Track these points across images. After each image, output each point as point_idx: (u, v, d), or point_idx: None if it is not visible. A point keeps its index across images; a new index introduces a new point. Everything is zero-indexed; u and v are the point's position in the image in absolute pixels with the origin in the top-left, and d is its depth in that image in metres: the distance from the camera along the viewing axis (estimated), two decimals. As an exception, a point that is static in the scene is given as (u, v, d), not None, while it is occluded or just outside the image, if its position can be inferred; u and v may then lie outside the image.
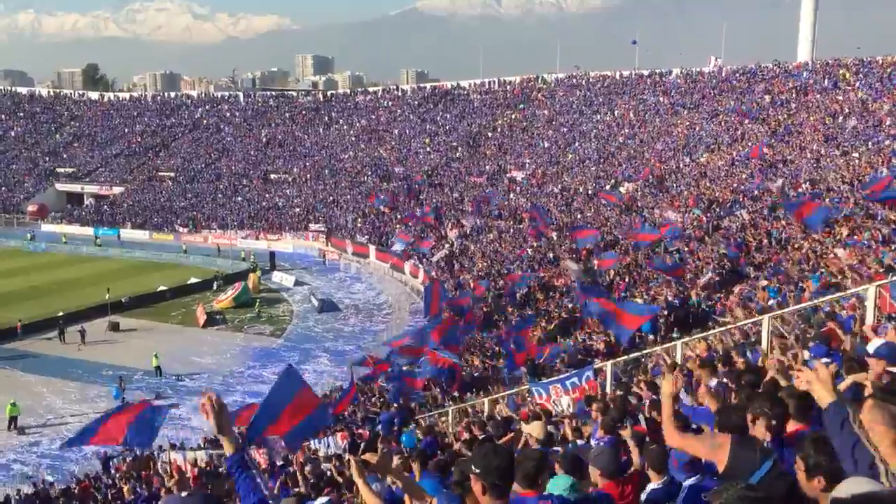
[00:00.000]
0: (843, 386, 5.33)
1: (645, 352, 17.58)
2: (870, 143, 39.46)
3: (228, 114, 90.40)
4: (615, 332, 20.88)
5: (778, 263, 24.50)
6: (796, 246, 25.65)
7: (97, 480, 22.43)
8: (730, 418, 4.82)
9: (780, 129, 49.51)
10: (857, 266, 18.95)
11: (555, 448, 8.09)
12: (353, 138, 79.16)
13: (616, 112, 67.11)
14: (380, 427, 18.17)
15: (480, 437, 10.85)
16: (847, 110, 47.67)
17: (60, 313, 41.70)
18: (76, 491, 21.54)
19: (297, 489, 11.41)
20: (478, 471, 3.66)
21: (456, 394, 22.83)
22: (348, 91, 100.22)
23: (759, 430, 4.32)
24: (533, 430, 9.51)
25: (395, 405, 21.98)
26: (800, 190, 33.71)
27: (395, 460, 8.95)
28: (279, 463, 16.71)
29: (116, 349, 37.98)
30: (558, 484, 4.58)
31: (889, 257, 18.75)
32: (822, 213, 24.94)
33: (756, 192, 36.29)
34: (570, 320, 28.51)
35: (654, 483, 5.48)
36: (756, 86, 60.49)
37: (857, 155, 37.77)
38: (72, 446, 21.38)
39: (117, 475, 21.89)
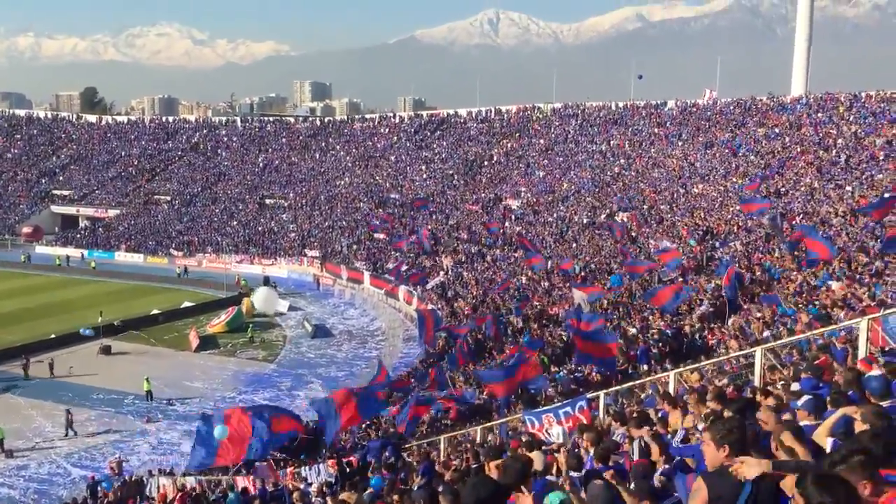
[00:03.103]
0: (831, 420, 5.33)
1: (637, 382, 17.56)
2: (863, 178, 39.68)
3: (226, 138, 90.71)
4: (598, 366, 21.19)
5: (770, 293, 24.53)
6: (790, 278, 25.70)
7: (84, 506, 22.18)
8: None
9: (774, 161, 49.79)
10: (849, 299, 19.00)
11: (549, 476, 8.04)
12: (350, 164, 79.46)
13: (612, 142, 67.51)
14: (369, 455, 18.03)
15: (473, 467, 10.78)
16: (840, 144, 48.00)
17: (51, 338, 41.48)
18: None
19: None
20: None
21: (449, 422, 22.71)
22: (345, 117, 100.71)
23: (711, 451, 4.34)
24: (535, 459, 9.43)
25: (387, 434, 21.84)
26: (794, 223, 33.84)
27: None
28: (269, 489, 16.57)
29: (107, 373, 37.71)
30: (550, 500, 4.64)
31: (882, 291, 18.82)
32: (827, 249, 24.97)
33: (750, 224, 36.43)
34: (564, 349, 28.44)
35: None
36: (750, 118, 60.96)
37: (850, 188, 37.97)
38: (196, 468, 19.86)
39: (104, 501, 21.64)
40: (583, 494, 5.40)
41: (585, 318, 25.78)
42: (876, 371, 7.39)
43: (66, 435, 29.97)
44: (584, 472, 7.23)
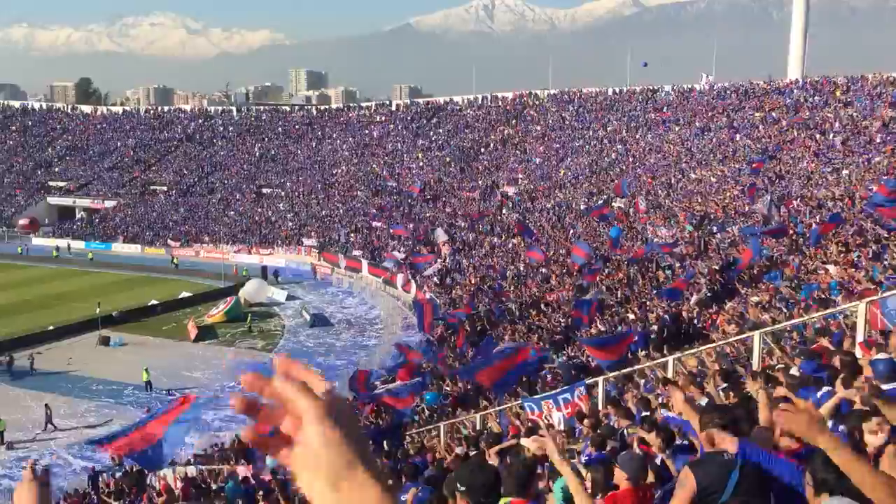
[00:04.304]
0: (832, 402, 5.34)
1: (636, 367, 17.58)
2: (860, 160, 39.71)
3: (221, 128, 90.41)
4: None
5: (770, 277, 24.57)
6: (787, 263, 25.73)
7: (85, 497, 22.21)
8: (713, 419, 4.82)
9: (771, 146, 49.78)
10: (846, 282, 19.03)
11: (548, 463, 8.07)
12: (346, 153, 79.27)
13: (608, 128, 67.40)
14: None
15: (472, 454, 10.80)
16: (837, 127, 47.98)
17: (49, 329, 41.41)
18: (64, 507, 21.33)
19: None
20: (463, 488, 3.66)
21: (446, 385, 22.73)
22: (341, 106, 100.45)
23: (705, 444, 4.34)
24: (531, 445, 9.45)
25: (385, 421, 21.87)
26: (791, 206, 33.87)
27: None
28: (266, 477, 16.58)
29: (106, 364, 37.72)
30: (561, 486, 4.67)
31: (880, 273, 18.84)
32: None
33: (747, 209, 36.44)
34: (562, 336, 28.50)
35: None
36: (747, 103, 60.86)
37: (847, 172, 38.01)
38: (96, 444, 20.90)
39: (106, 491, 21.67)
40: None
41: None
42: (882, 354, 7.39)
43: (46, 429, 29.77)
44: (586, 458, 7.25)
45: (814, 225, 26.68)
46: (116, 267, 61.61)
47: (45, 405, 30.55)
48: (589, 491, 5.57)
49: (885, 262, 20.40)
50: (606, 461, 6.31)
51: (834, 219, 26.38)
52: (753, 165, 43.38)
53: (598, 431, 8.38)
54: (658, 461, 6.33)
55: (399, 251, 52.97)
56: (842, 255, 23.15)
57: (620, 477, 5.46)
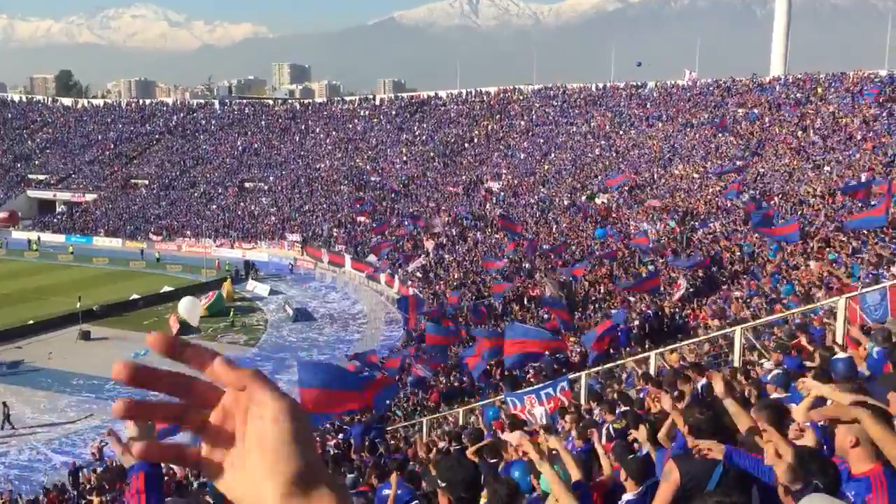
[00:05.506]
0: (809, 399, 5.37)
1: (619, 362, 17.67)
2: (840, 157, 40.01)
3: (204, 121, 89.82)
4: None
5: (750, 272, 24.74)
6: (768, 258, 25.90)
7: (64, 492, 22.04)
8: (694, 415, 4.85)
9: (753, 142, 50.04)
10: (827, 279, 19.18)
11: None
12: (330, 147, 78.98)
13: (592, 123, 67.53)
14: (352, 438, 18.03)
15: (455, 448, 10.80)
16: (819, 124, 48.30)
17: (30, 323, 41.03)
18: (44, 503, 21.16)
19: None
20: (443, 484, 3.66)
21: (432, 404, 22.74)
22: (325, 100, 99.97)
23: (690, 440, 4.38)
24: (513, 440, 9.49)
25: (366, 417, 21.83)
26: (772, 202, 34.09)
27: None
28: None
29: (87, 358, 37.40)
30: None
31: (861, 269, 19.01)
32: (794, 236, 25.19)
33: (729, 205, 36.65)
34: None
35: (629, 494, 5.48)
36: (730, 99, 61.15)
37: (828, 169, 38.29)
38: None
39: (86, 487, 21.52)
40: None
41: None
42: (842, 354, 7.48)
43: (3, 428, 29.32)
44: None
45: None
46: (97, 261, 61.08)
47: (3, 403, 30.03)
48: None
49: (865, 258, 20.58)
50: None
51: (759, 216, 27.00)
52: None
53: (582, 425, 8.42)
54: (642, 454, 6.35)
55: (384, 245, 52.87)
56: (823, 250, 23.33)
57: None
